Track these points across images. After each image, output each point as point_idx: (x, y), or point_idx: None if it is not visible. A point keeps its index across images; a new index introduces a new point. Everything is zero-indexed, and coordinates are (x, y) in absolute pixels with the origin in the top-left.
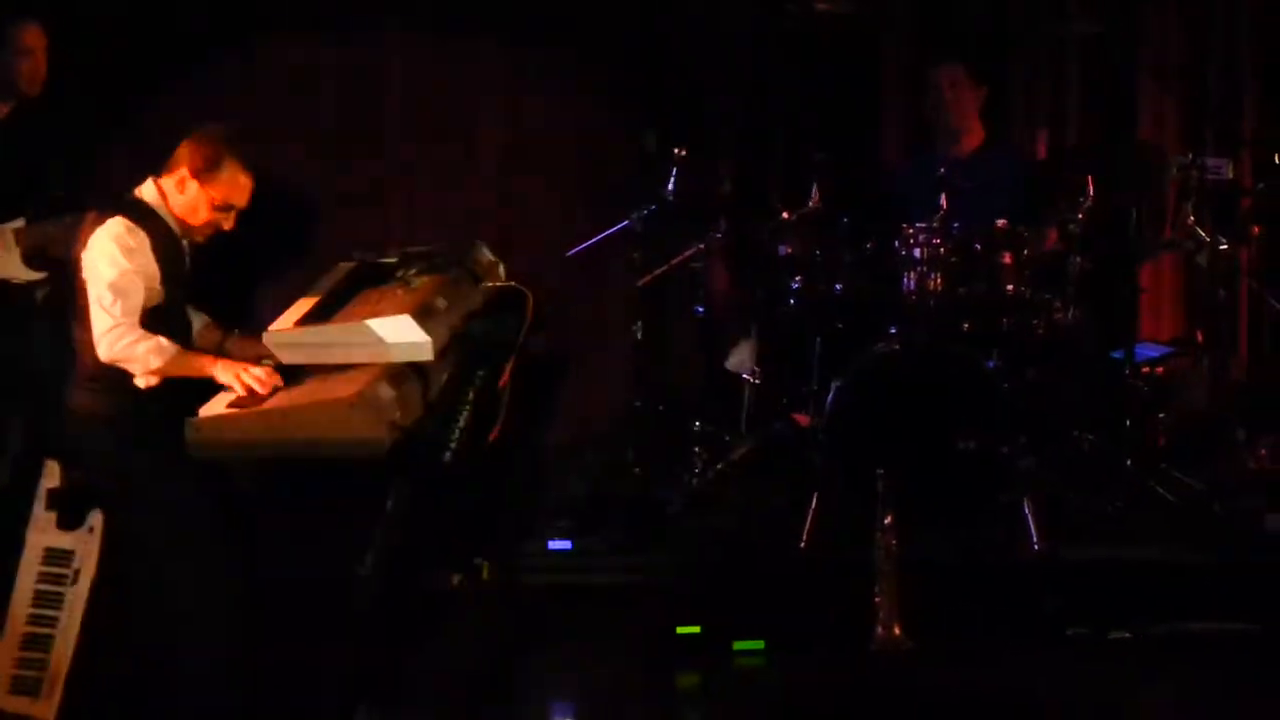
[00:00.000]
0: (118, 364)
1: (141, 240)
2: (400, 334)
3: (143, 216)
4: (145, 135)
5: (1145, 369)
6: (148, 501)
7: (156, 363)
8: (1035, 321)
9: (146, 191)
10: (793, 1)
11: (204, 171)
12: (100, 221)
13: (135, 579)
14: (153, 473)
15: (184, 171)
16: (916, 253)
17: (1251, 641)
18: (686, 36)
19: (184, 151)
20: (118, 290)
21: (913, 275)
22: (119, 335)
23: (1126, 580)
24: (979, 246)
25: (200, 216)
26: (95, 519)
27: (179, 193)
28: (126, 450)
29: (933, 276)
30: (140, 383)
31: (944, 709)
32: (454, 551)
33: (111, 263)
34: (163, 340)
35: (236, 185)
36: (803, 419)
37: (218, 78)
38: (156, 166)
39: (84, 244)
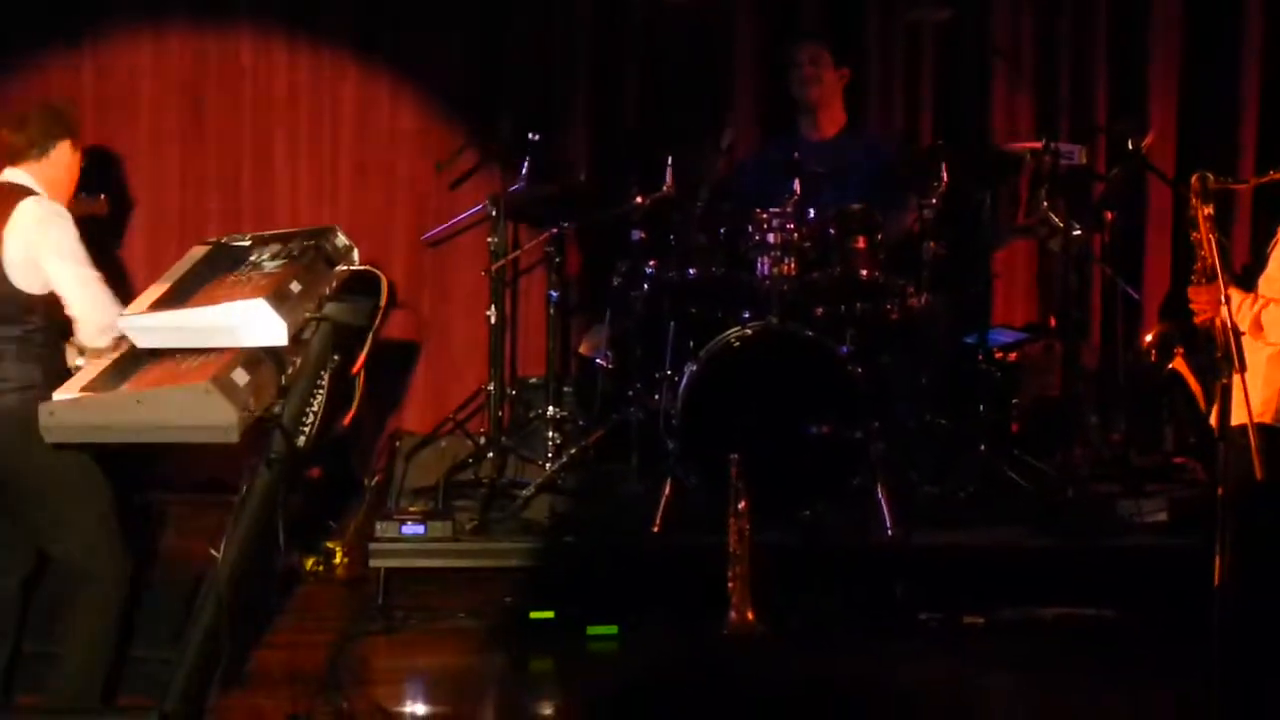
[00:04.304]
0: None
1: (62, 210)
2: (255, 318)
3: (39, 194)
4: None
5: (998, 354)
6: (69, 489)
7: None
8: (889, 306)
9: (18, 176)
10: None
11: (77, 135)
12: (5, 214)
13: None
14: (72, 461)
15: (65, 144)
16: (770, 238)
17: (1105, 626)
18: (537, 23)
19: (55, 125)
20: (85, 260)
21: (766, 260)
22: (112, 302)
23: (979, 565)
24: (833, 231)
25: (73, 183)
26: None
27: (63, 164)
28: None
29: (786, 261)
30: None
31: (797, 693)
32: (307, 536)
33: (62, 238)
34: None
35: None
36: (655, 404)
37: (58, 69)
38: None
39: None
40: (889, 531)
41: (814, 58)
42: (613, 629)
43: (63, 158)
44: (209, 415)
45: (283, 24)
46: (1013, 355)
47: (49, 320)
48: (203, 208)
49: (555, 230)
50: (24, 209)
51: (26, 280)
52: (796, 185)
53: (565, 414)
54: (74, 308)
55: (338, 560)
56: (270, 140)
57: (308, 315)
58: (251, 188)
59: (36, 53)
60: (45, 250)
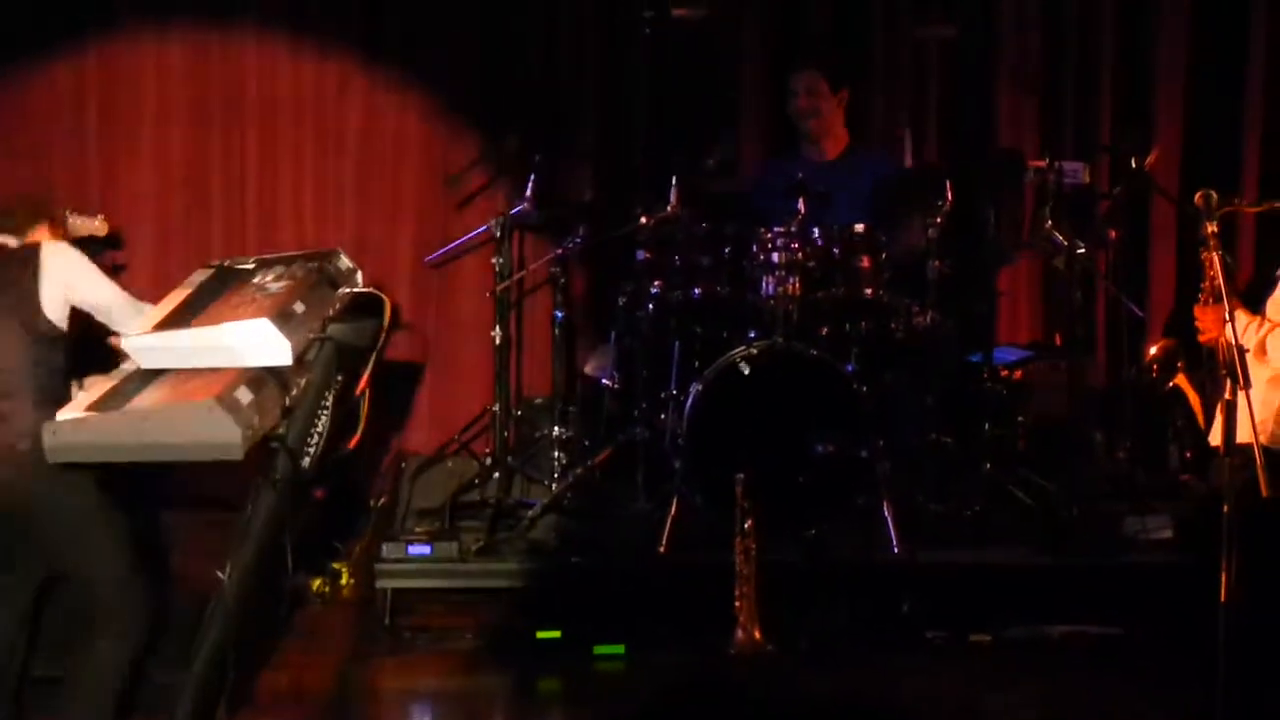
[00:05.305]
0: None
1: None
2: (258, 338)
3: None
4: None
5: (1003, 372)
6: (94, 530)
7: None
8: (893, 325)
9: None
10: (649, 8)
11: (55, 219)
12: (37, 251)
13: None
14: (94, 502)
15: (42, 227)
16: (774, 257)
17: (1111, 644)
18: (543, 42)
19: (36, 219)
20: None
21: (771, 279)
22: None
23: (985, 583)
24: (837, 250)
25: None
26: None
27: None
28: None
29: (791, 280)
30: None
31: (804, 712)
32: (314, 557)
33: (90, 269)
34: None
35: None
36: (661, 423)
37: (62, 73)
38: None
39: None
40: (895, 550)
41: (809, 87)
42: (620, 648)
43: (40, 236)
44: (213, 433)
45: (287, 40)
46: (1018, 373)
47: (66, 357)
48: (206, 227)
49: (560, 251)
50: (49, 252)
51: (58, 316)
52: (801, 204)
53: (571, 434)
54: (113, 314)
55: (344, 581)
56: (275, 161)
57: (311, 336)
58: (256, 207)
59: (41, 55)
60: (80, 280)
